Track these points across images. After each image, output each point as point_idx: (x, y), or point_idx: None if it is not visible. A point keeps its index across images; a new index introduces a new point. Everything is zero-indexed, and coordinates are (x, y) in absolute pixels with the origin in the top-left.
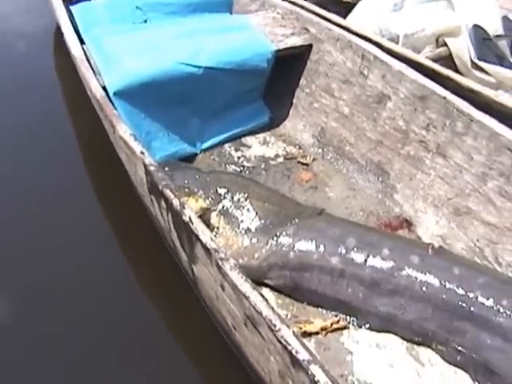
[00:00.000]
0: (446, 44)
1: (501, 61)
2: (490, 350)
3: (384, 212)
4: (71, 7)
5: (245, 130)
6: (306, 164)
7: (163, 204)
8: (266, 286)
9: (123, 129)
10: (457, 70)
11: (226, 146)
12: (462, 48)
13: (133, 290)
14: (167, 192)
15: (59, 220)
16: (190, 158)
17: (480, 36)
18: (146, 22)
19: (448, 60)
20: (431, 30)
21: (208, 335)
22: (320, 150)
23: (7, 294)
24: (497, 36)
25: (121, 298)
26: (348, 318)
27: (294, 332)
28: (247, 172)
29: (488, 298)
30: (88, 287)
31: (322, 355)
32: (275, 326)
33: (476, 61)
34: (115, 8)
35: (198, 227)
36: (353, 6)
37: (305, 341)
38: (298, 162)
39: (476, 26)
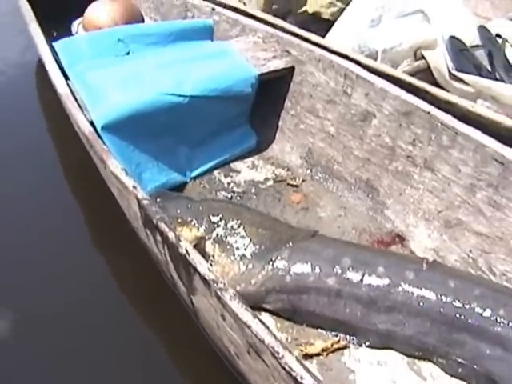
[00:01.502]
0: (423, 57)
1: (479, 70)
2: (490, 360)
3: (376, 229)
4: (54, 44)
5: (233, 155)
6: (296, 186)
7: (158, 237)
8: (265, 310)
9: (114, 164)
10: (436, 82)
11: (216, 172)
12: (440, 60)
13: (133, 323)
14: (162, 225)
15: (54, 259)
16: (180, 187)
17: (457, 47)
18: (128, 53)
19: (426, 72)
20: (408, 44)
21: (212, 364)
22: (308, 171)
23: None
24: (473, 46)
25: (123, 334)
26: (348, 337)
27: (297, 358)
28: (238, 197)
29: (485, 309)
30: (87, 323)
31: (324, 376)
32: (278, 353)
33: (454, 72)
34: (97, 42)
35: (195, 258)
36: (333, 23)
37: (307, 363)
38: (288, 184)
39: (452, 38)
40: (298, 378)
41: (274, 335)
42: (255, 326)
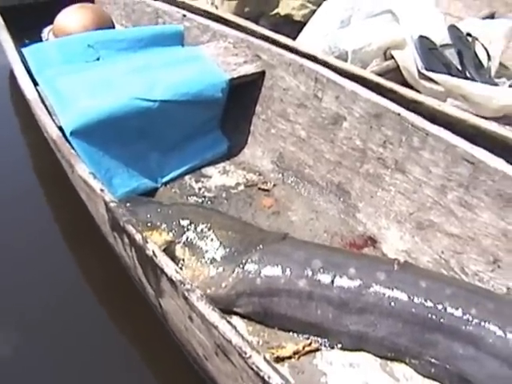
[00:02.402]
0: (392, 57)
1: (448, 69)
2: (462, 359)
3: (348, 231)
4: (23, 49)
5: (204, 160)
6: (267, 190)
7: (126, 240)
8: (236, 314)
9: (82, 168)
10: (405, 82)
11: (187, 177)
12: (409, 59)
13: (103, 328)
14: (129, 228)
15: (24, 262)
16: (151, 192)
17: (426, 46)
18: (98, 59)
19: (396, 72)
20: (377, 44)
21: (182, 368)
22: (280, 175)
23: None
24: (443, 45)
25: (92, 339)
26: (320, 339)
27: (264, 357)
28: (209, 202)
29: (457, 309)
30: (58, 326)
31: (296, 379)
32: (246, 353)
33: (423, 71)
34: (67, 47)
35: (162, 260)
36: (305, 24)
37: (278, 366)
38: (259, 189)
39: (422, 37)
40: (266, 377)
41: (242, 335)
42: (222, 327)
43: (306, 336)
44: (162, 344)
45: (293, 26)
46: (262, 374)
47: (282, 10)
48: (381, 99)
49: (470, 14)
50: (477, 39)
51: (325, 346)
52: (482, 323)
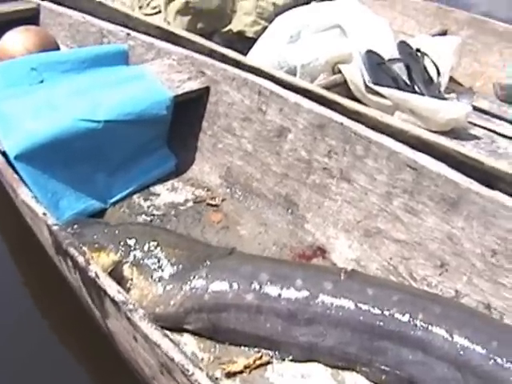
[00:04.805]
0: (340, 71)
1: (396, 83)
2: (412, 364)
3: (297, 243)
4: None
5: (152, 178)
6: (216, 205)
7: (70, 263)
8: (187, 331)
9: (24, 192)
10: (353, 96)
11: (135, 196)
12: (356, 73)
13: (53, 350)
14: (71, 250)
15: None
16: (100, 214)
17: (374, 61)
18: (42, 82)
19: (343, 86)
20: (325, 59)
21: None
22: (228, 190)
23: None
24: (391, 60)
25: (42, 360)
26: (270, 352)
27: (207, 374)
28: (158, 220)
29: (404, 314)
30: (6, 352)
31: None
32: (188, 370)
33: (370, 85)
34: (10, 71)
35: (105, 282)
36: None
37: (229, 381)
38: (208, 204)
39: (369, 52)
40: None
41: (185, 353)
42: (165, 345)
43: (257, 350)
44: (111, 364)
45: (245, 43)
46: None
47: (235, 26)
48: (323, 110)
49: (423, 32)
50: (426, 55)
51: (276, 358)
52: (430, 327)
